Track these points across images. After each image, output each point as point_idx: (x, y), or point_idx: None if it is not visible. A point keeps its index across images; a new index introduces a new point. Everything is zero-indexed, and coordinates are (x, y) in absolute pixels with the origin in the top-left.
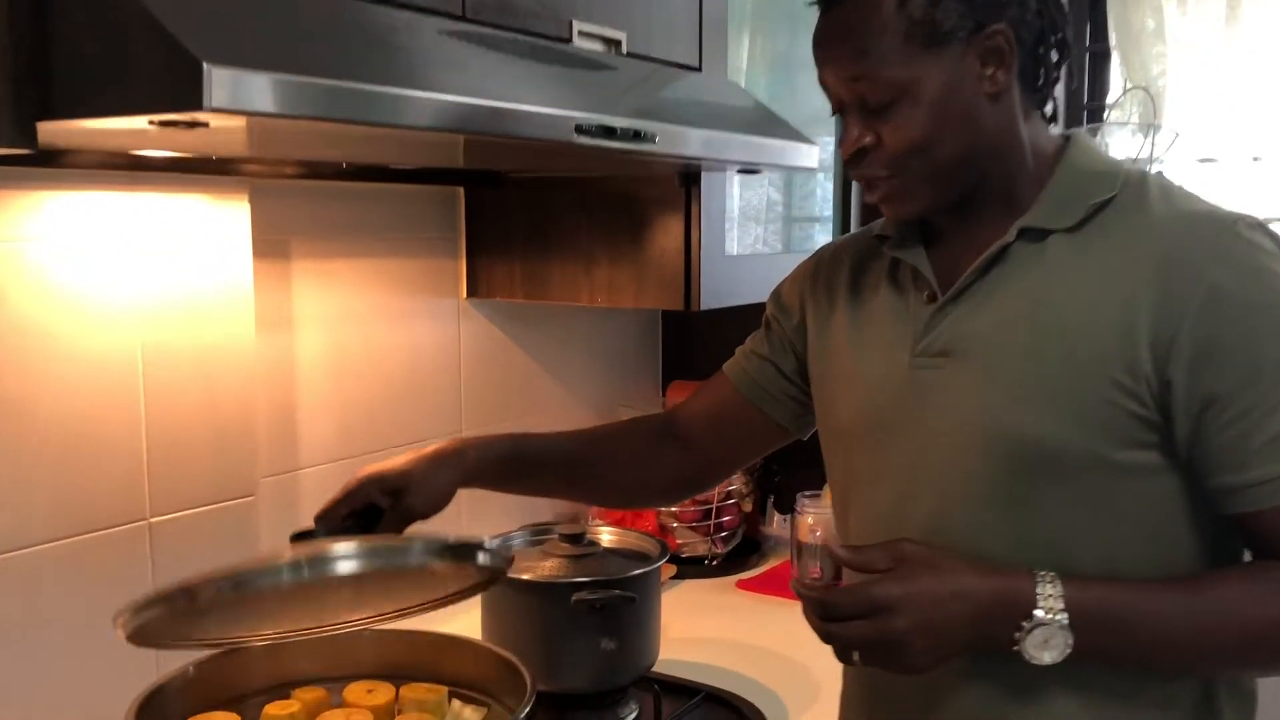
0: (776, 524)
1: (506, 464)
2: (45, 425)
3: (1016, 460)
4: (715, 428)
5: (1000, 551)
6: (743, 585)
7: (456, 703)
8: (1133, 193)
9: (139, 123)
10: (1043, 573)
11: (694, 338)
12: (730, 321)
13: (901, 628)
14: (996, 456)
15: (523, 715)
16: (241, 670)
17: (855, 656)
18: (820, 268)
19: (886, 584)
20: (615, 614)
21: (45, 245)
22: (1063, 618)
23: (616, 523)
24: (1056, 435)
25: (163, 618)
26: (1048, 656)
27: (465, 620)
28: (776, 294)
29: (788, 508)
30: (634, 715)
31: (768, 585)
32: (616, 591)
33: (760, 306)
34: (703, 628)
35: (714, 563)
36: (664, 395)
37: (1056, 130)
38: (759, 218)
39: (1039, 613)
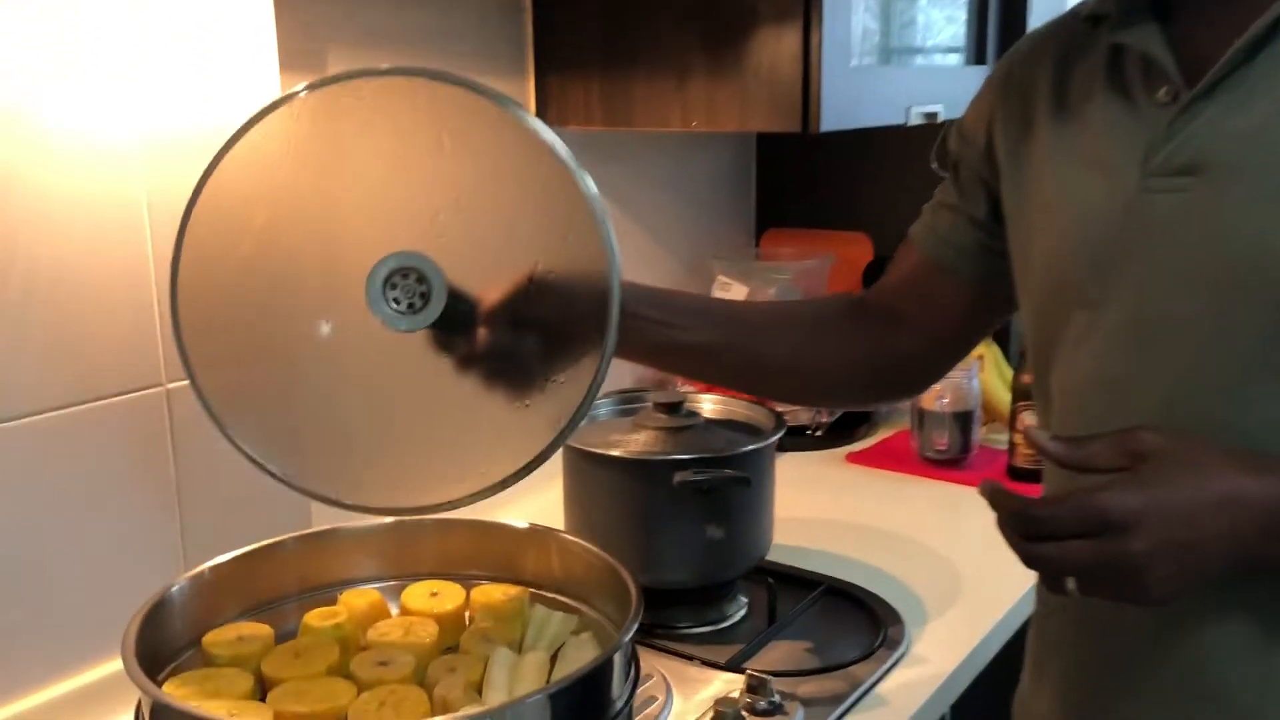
0: None
1: (659, 303)
2: (26, 278)
3: None
4: (914, 304)
5: (1268, 438)
6: (853, 458)
7: (541, 609)
8: None
9: None
10: None
11: (790, 177)
12: (833, 153)
13: (1140, 549)
14: (1270, 307)
15: (628, 637)
16: (271, 571)
17: (1070, 584)
18: (1013, 71)
19: (1121, 491)
20: (724, 497)
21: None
22: None
23: (710, 387)
24: None
25: None
26: None
27: (543, 502)
28: (959, 123)
29: None
30: (743, 612)
31: (882, 458)
32: (727, 471)
33: (883, 132)
34: (813, 507)
35: (817, 433)
36: (757, 245)
37: None
38: (855, 50)
39: None
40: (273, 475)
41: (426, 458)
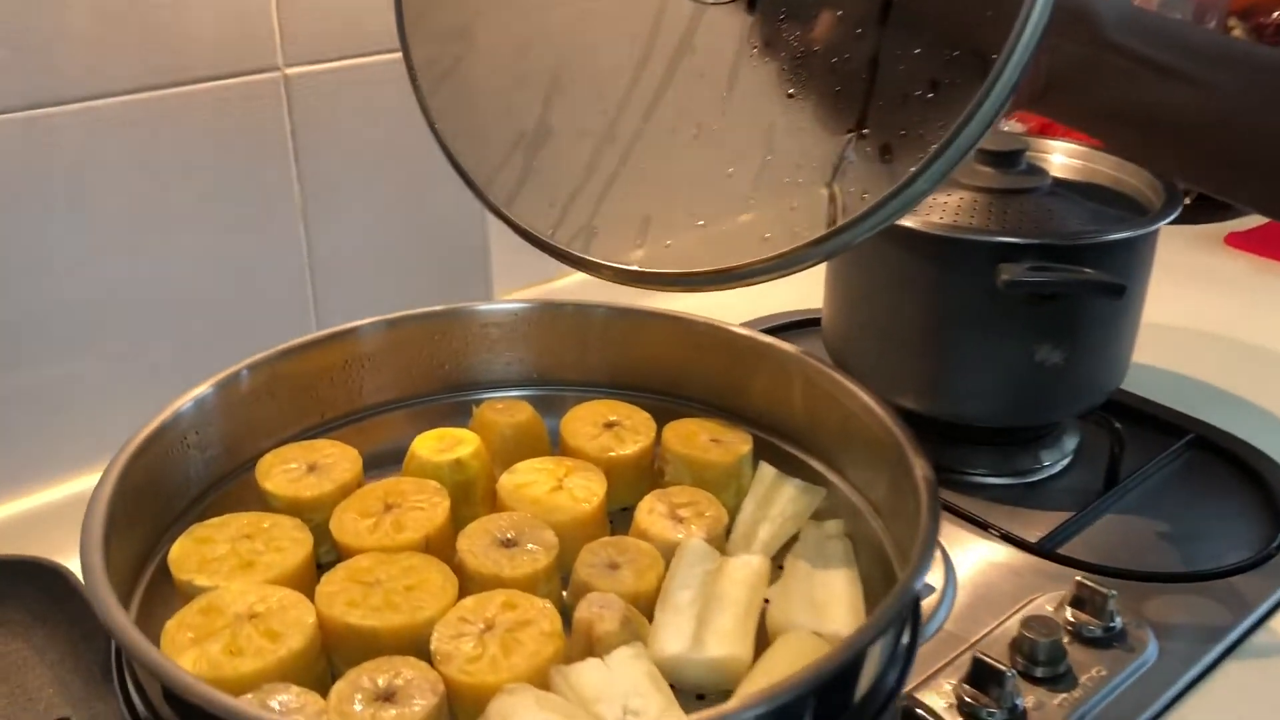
0: None
1: (1156, 32)
2: None
3: None
4: None
5: None
6: (1234, 241)
7: (769, 471)
8: None
9: None
10: None
11: None
12: None
13: None
14: None
15: (919, 581)
16: (354, 369)
17: None
18: None
19: None
20: (1072, 308)
21: None
22: None
23: (1073, 133)
24: None
25: None
26: None
27: (793, 295)
28: None
29: None
30: (1066, 462)
31: None
32: (1087, 272)
33: None
34: (1175, 311)
35: (1190, 199)
36: None
37: None
38: None
39: None
40: (481, 197)
41: (693, 205)
